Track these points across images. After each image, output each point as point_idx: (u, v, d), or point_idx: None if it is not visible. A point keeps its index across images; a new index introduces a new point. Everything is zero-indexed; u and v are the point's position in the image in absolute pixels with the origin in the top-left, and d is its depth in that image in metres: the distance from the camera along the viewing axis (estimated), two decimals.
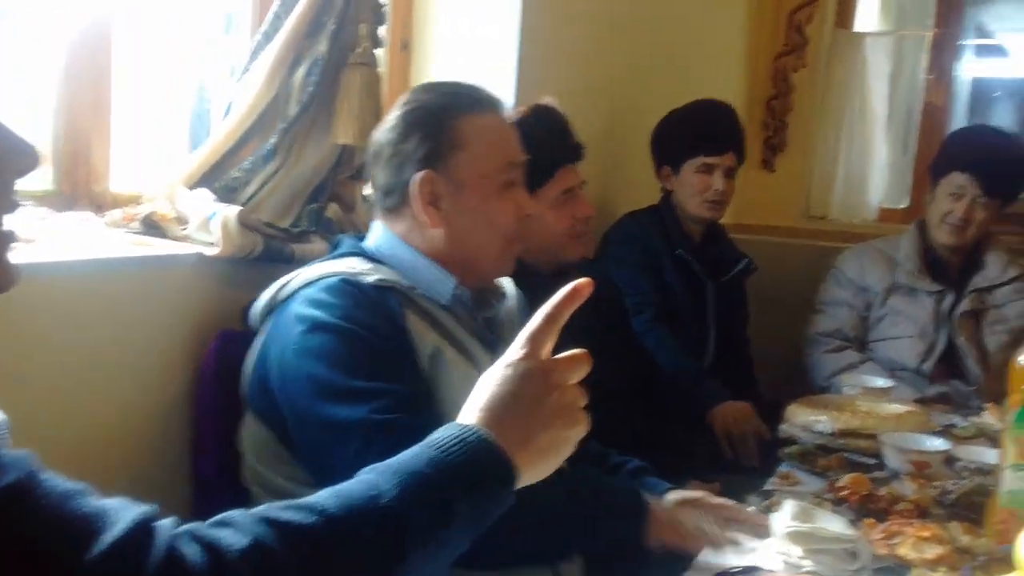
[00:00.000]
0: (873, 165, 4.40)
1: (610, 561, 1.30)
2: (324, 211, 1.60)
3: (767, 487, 1.49)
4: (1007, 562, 0.96)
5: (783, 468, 1.60)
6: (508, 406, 0.78)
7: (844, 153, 4.38)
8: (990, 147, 2.50)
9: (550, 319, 0.79)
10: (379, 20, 1.59)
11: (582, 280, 0.79)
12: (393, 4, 2.12)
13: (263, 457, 1.29)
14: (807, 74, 4.22)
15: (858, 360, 2.50)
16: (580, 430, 0.82)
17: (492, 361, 1.29)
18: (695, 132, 2.44)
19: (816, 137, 4.40)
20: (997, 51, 4.63)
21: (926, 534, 1.13)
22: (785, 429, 1.80)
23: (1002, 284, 2.49)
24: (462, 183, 1.27)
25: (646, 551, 1.27)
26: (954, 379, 2.41)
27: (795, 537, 1.13)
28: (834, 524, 1.16)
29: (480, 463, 0.74)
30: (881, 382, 2.13)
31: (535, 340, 0.80)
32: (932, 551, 1.10)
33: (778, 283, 3.00)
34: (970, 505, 1.37)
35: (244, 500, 1.36)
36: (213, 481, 1.46)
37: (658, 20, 3.05)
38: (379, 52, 1.66)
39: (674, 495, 1.38)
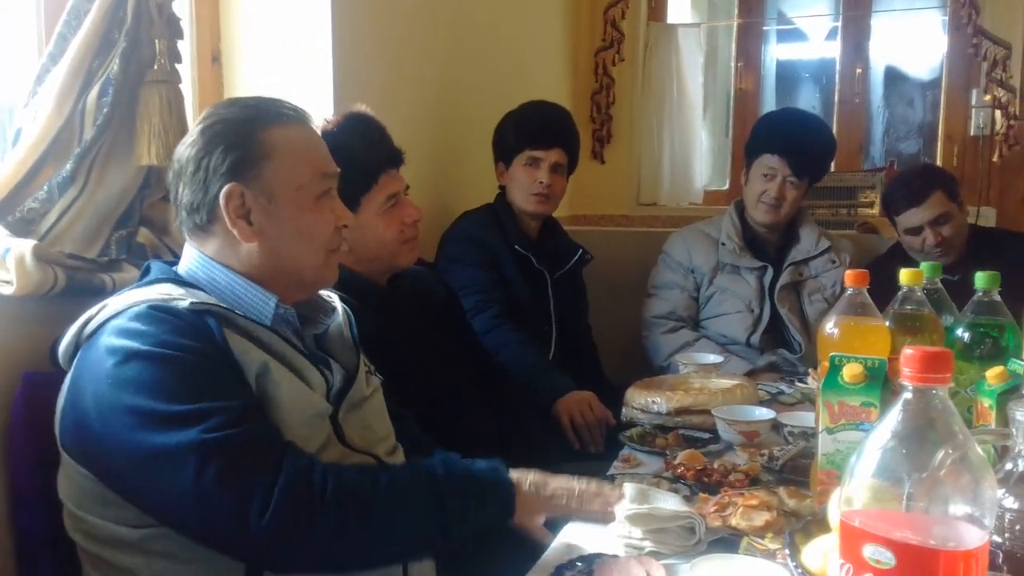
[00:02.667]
0: (695, 150, 4.61)
1: (463, 557, 1.29)
2: (135, 236, 1.51)
3: (610, 472, 1.52)
4: (827, 523, 1.02)
5: (624, 451, 1.65)
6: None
7: (668, 141, 4.57)
8: (796, 130, 2.65)
9: None
10: (176, 34, 1.51)
11: None
12: (197, 16, 2.03)
13: (85, 503, 1.21)
14: (626, 67, 4.37)
15: (692, 338, 2.61)
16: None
17: (323, 377, 1.26)
18: (522, 127, 2.49)
19: (640, 127, 4.56)
20: (797, 35, 4.94)
21: (754, 502, 1.18)
22: (626, 413, 1.86)
23: (816, 256, 2.65)
24: (273, 195, 1.22)
25: (507, 538, 1.27)
26: (780, 348, 2.55)
27: (635, 519, 1.16)
28: (671, 502, 1.20)
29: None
30: (712, 358, 2.23)
31: None
32: (760, 518, 1.15)
33: (616, 270, 3.09)
34: (796, 469, 1.45)
35: (70, 552, 1.27)
36: (36, 535, 1.36)
37: (485, 22, 3.07)
38: (183, 66, 1.58)
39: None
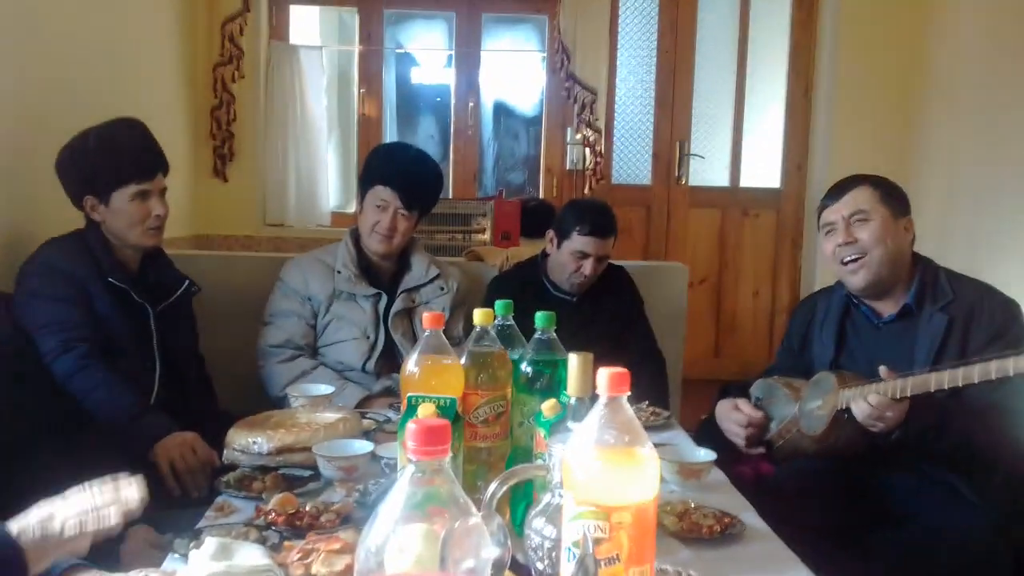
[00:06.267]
0: (322, 173, 4.63)
1: None
2: None
3: (200, 524, 1.46)
4: None
5: (220, 499, 1.59)
6: None
7: (293, 162, 4.54)
8: (407, 164, 2.75)
9: None
10: None
11: None
12: None
13: None
14: (247, 84, 4.28)
15: (310, 367, 2.60)
16: None
17: None
18: (118, 160, 2.27)
19: (264, 146, 4.49)
20: (413, 62, 5.16)
21: (336, 546, 1.20)
22: (227, 455, 1.80)
23: (427, 283, 2.77)
24: None
25: None
26: (395, 373, 2.63)
27: None
28: (251, 556, 1.18)
29: None
30: (324, 388, 2.23)
31: None
32: (341, 562, 1.17)
33: (239, 295, 2.99)
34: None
35: None
36: None
37: (84, 26, 2.81)
38: None
39: None
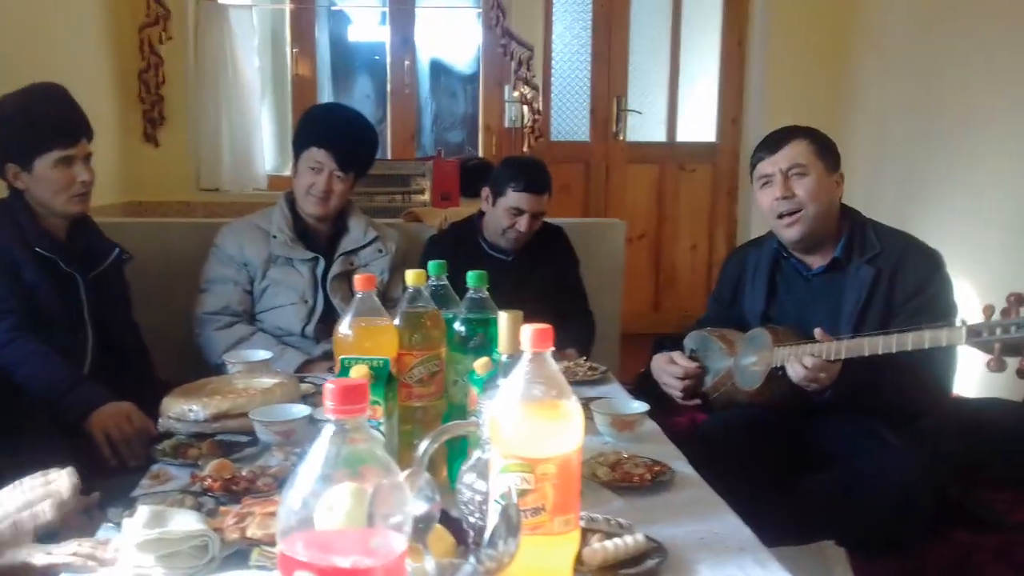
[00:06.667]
0: (256, 135, 4.54)
1: None
2: None
3: (136, 491, 1.46)
4: None
5: (155, 467, 1.59)
6: None
7: (227, 124, 4.44)
8: (340, 125, 2.72)
9: None
10: None
11: None
12: None
13: None
14: (176, 45, 4.17)
15: (248, 333, 2.58)
16: None
17: None
18: (39, 126, 2.20)
19: (196, 109, 4.38)
20: (348, 20, 5.07)
21: (272, 508, 1.21)
22: (162, 423, 1.79)
23: (365, 246, 2.75)
24: None
25: None
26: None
27: (145, 546, 1.13)
28: (185, 522, 1.18)
29: None
30: (262, 354, 2.22)
31: None
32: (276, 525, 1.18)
33: (174, 262, 2.94)
34: None
35: None
36: None
37: None
38: None
39: None
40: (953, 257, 2.26)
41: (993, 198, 3.56)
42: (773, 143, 2.22)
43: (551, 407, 0.95)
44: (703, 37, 5.05)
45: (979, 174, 3.65)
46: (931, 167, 3.94)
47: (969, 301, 2.63)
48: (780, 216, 2.18)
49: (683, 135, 5.13)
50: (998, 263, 3.42)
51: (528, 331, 0.97)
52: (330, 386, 0.70)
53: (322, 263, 2.68)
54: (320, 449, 0.70)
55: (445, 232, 3.08)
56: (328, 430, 0.72)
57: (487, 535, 0.86)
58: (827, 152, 2.21)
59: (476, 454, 1.12)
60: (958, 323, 1.78)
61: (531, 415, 0.94)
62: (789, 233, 2.19)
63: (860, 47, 4.56)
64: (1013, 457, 2.44)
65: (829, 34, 4.67)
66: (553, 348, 0.99)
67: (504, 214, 2.77)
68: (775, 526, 1.79)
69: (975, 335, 1.72)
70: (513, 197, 2.74)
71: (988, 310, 1.72)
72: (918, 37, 4.11)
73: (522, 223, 2.76)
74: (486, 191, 2.85)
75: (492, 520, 0.86)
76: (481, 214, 2.92)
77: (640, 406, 1.82)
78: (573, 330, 2.77)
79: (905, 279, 2.13)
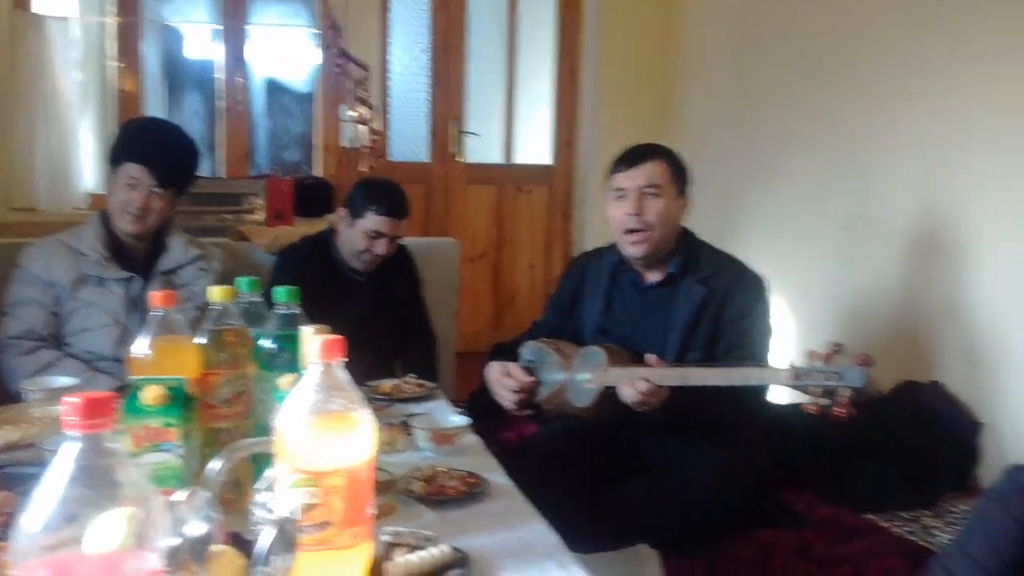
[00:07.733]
0: (75, 152, 4.30)
1: None
2: None
3: None
4: None
5: None
6: None
7: (44, 140, 4.18)
8: (158, 139, 2.62)
9: None
10: None
11: None
12: None
13: None
14: None
15: (55, 358, 2.43)
16: None
17: None
18: None
19: (9, 124, 4.11)
20: (179, 37, 4.91)
21: None
22: None
23: (186, 265, 2.65)
24: None
25: None
26: None
27: None
28: None
29: None
30: (66, 381, 2.09)
31: None
32: None
33: None
34: None
35: None
36: None
37: None
38: None
39: None
40: (766, 267, 2.41)
41: (799, 212, 3.84)
42: (634, 158, 2.27)
43: (337, 419, 0.94)
44: (538, 63, 5.19)
45: (789, 191, 3.92)
46: (748, 185, 4.20)
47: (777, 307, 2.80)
48: (628, 231, 2.24)
49: (520, 158, 5.23)
50: (803, 271, 3.68)
51: (316, 343, 0.96)
52: (71, 400, 0.67)
53: (138, 282, 2.56)
54: (61, 468, 0.66)
55: (299, 248, 2.99)
56: (72, 447, 0.68)
57: (263, 551, 0.83)
58: (680, 176, 2.30)
59: (268, 472, 1.09)
60: (786, 365, 1.89)
61: (316, 427, 0.93)
62: (634, 250, 2.26)
63: (684, 75, 4.81)
64: (812, 459, 2.61)
65: (656, 63, 4.90)
66: (345, 359, 0.98)
67: (362, 236, 2.74)
68: (595, 533, 1.84)
69: (797, 378, 1.83)
70: (373, 220, 2.72)
71: (814, 356, 1.84)
72: (735, 66, 4.37)
73: (380, 246, 2.75)
74: (343, 211, 2.81)
75: (267, 536, 0.83)
76: (332, 231, 2.88)
77: (461, 420, 1.83)
78: (415, 358, 2.82)
79: (733, 303, 2.24)
